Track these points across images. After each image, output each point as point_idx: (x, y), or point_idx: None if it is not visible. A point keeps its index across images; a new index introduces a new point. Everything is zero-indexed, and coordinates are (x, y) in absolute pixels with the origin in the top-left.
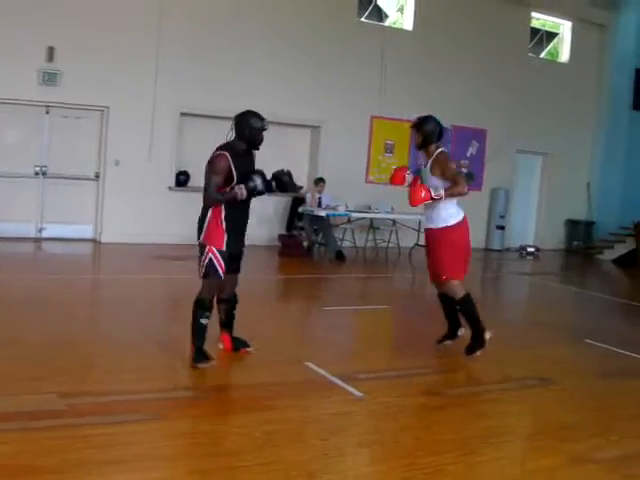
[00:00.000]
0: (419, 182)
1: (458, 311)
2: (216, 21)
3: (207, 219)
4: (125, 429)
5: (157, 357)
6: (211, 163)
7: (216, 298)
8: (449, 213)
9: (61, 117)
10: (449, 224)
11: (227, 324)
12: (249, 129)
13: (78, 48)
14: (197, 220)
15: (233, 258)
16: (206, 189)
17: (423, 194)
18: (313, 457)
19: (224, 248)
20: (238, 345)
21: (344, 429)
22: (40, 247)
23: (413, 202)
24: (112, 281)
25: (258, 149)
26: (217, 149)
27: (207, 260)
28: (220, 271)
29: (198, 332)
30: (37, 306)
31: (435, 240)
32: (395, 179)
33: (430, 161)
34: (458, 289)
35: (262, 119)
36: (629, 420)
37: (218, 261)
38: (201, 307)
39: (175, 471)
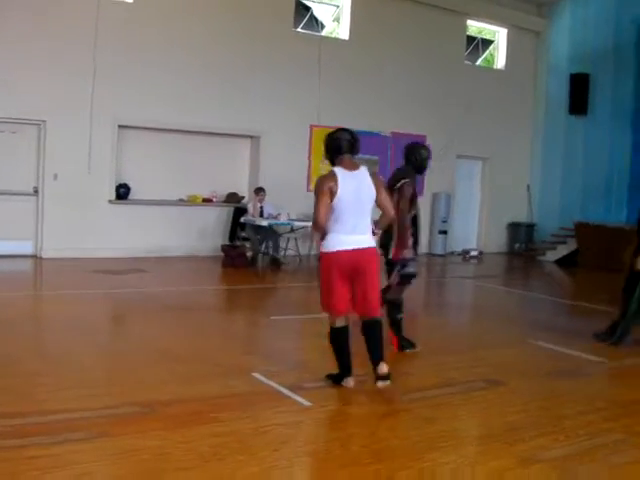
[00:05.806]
0: None
1: None
2: (154, 32)
3: None
4: (70, 448)
5: (101, 374)
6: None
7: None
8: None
9: None
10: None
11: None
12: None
13: (13, 61)
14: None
15: None
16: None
17: None
18: (262, 469)
19: None
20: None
21: (292, 439)
22: None
23: None
24: (54, 297)
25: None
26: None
27: None
28: None
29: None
30: None
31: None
32: None
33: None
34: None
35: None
36: (575, 419)
37: None
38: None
39: None
